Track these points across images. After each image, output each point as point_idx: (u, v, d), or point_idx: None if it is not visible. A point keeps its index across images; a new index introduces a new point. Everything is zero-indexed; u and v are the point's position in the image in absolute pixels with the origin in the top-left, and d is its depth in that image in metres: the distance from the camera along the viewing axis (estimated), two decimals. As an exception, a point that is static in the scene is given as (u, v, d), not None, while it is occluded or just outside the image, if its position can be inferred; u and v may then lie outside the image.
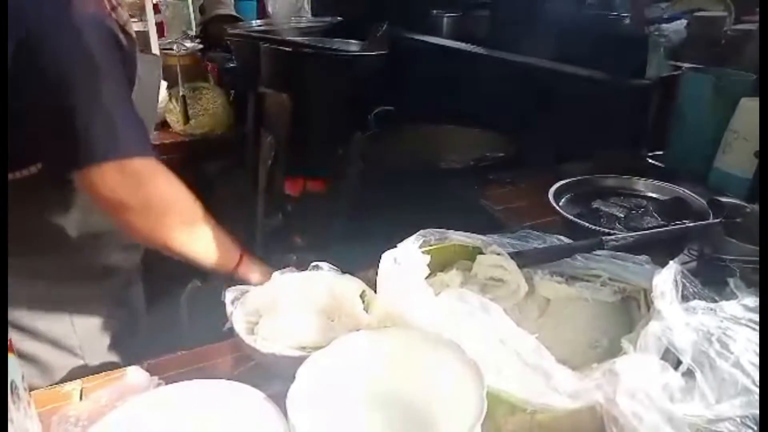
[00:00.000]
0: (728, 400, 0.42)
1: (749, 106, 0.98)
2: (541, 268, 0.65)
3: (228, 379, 0.50)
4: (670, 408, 0.42)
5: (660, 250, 0.67)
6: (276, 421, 0.45)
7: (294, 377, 0.46)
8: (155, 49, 1.77)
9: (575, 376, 0.45)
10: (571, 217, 0.82)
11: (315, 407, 0.46)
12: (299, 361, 0.48)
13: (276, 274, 0.68)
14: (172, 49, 1.88)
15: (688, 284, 0.52)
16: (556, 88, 1.30)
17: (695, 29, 1.27)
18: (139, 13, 1.93)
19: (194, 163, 1.64)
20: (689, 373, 0.44)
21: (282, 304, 0.64)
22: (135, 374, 0.60)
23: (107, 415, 0.46)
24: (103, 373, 0.63)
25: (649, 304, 0.55)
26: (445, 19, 1.81)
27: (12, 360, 0.46)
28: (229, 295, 0.64)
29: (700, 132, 1.07)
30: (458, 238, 0.67)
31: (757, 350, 0.44)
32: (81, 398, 0.60)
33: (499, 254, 0.65)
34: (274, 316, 0.62)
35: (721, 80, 1.04)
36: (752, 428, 0.41)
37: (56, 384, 0.63)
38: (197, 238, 0.72)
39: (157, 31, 2.20)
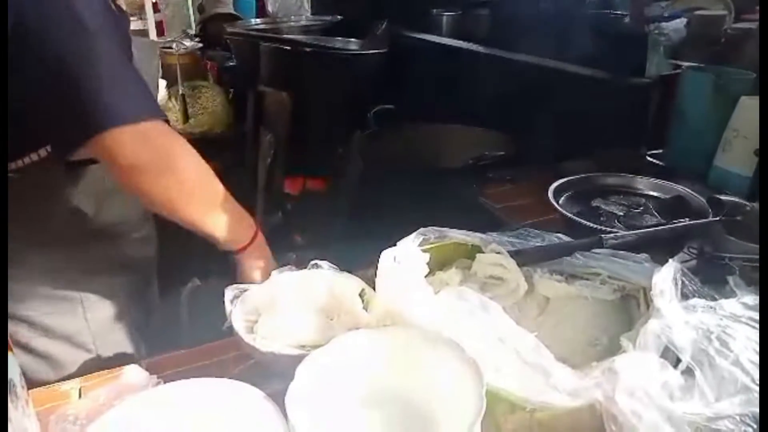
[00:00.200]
0: (728, 398, 0.42)
1: (749, 104, 0.98)
2: (541, 266, 0.65)
3: (227, 378, 0.50)
4: (669, 406, 0.42)
5: (660, 249, 0.67)
6: (275, 419, 0.45)
7: (293, 376, 0.46)
8: (154, 47, 1.77)
9: (575, 375, 0.45)
10: (570, 216, 0.82)
11: (314, 406, 0.45)
12: (298, 359, 0.48)
13: (275, 273, 0.68)
14: (171, 47, 1.88)
15: (687, 282, 0.52)
16: (556, 87, 1.29)
17: (695, 28, 1.27)
18: (139, 11, 1.93)
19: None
20: (689, 372, 0.44)
21: (281, 302, 0.63)
22: (134, 373, 0.60)
23: (106, 413, 0.46)
24: (103, 371, 0.63)
25: (648, 303, 0.55)
26: (445, 18, 1.81)
27: (11, 359, 0.46)
28: (229, 293, 0.64)
29: (699, 130, 1.07)
30: (458, 236, 0.67)
31: (757, 348, 0.44)
32: (80, 397, 0.60)
33: (498, 253, 0.65)
34: (273, 314, 0.62)
35: (720, 79, 1.04)
36: (752, 426, 0.41)
37: (58, 381, 0.63)
38: (212, 207, 0.70)
39: (157, 29, 2.20)
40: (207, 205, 0.70)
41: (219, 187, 0.71)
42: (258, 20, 2.13)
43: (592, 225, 0.79)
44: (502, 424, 0.46)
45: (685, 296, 0.51)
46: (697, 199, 0.85)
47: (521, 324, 0.49)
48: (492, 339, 0.48)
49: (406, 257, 0.60)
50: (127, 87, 0.64)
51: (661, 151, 1.17)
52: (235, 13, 2.28)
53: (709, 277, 0.57)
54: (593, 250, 0.65)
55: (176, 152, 0.67)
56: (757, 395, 0.42)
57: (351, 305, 0.63)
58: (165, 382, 0.54)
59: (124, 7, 0.76)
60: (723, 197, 0.85)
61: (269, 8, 2.39)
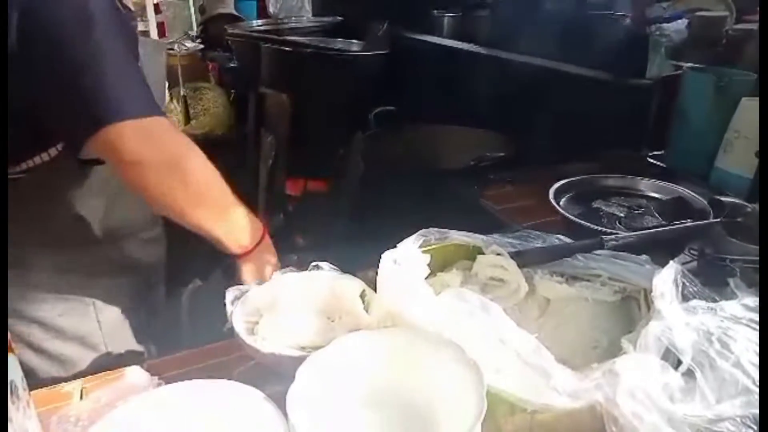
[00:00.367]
0: (728, 400, 0.42)
1: (750, 105, 0.98)
2: (542, 267, 0.65)
3: (228, 379, 0.50)
4: (670, 408, 0.42)
5: (660, 250, 0.67)
6: (276, 420, 0.45)
7: (294, 377, 0.46)
8: (156, 48, 1.77)
9: (575, 376, 0.45)
10: (571, 217, 0.82)
11: (315, 407, 0.46)
12: (299, 360, 0.48)
13: (277, 274, 0.68)
14: (173, 49, 1.89)
15: (688, 284, 0.52)
16: (557, 88, 1.30)
17: (696, 29, 1.27)
18: (140, 13, 1.93)
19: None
20: (689, 373, 0.44)
21: (282, 303, 0.63)
22: (135, 374, 0.60)
23: (107, 415, 0.46)
24: (104, 372, 0.63)
25: (649, 304, 0.55)
26: (445, 19, 1.81)
27: (12, 360, 0.46)
28: (230, 294, 0.64)
29: (701, 132, 1.07)
30: (458, 237, 0.67)
31: (758, 350, 0.44)
32: (81, 398, 0.60)
33: (499, 254, 0.65)
34: (274, 315, 0.62)
35: (722, 80, 1.04)
36: (752, 428, 0.41)
37: (60, 382, 0.63)
38: (219, 210, 0.70)
39: (158, 31, 2.21)
40: (214, 208, 0.70)
41: (226, 189, 0.71)
42: (259, 21, 2.13)
43: (592, 226, 0.79)
44: (503, 425, 0.46)
45: (685, 298, 0.51)
46: (698, 201, 0.85)
47: (522, 325, 0.49)
48: (493, 340, 0.48)
49: (406, 259, 0.60)
50: (131, 84, 0.64)
51: (662, 152, 1.17)
52: (236, 14, 2.28)
53: (709, 279, 0.57)
54: (594, 252, 0.65)
55: (182, 151, 0.67)
56: (758, 397, 0.42)
57: (352, 306, 0.63)
58: (166, 383, 0.54)
59: (131, 7, 0.76)
60: (724, 198, 0.85)
61: (270, 9, 2.39)
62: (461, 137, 1.45)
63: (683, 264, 0.53)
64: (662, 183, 0.94)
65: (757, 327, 0.46)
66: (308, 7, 2.38)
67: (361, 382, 0.50)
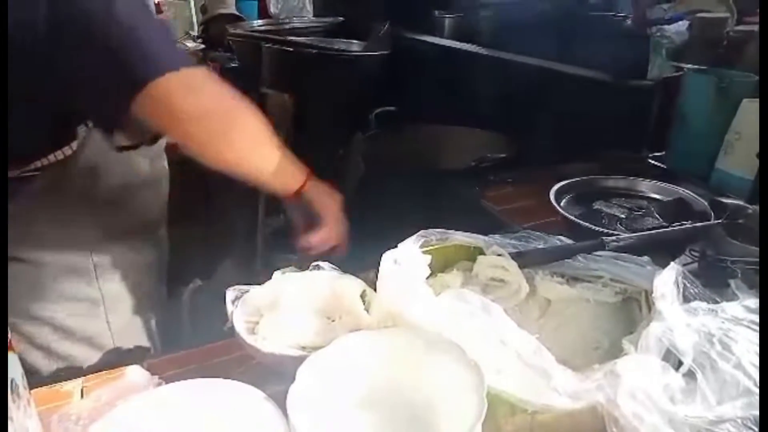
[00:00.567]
0: (730, 401, 0.42)
1: (751, 107, 0.98)
2: (543, 268, 0.65)
3: (228, 379, 0.50)
4: (671, 409, 0.42)
5: (661, 251, 0.67)
6: (276, 420, 0.45)
7: (294, 377, 0.46)
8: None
9: (576, 377, 0.45)
10: (572, 218, 0.82)
11: (315, 407, 0.45)
12: (299, 360, 0.48)
13: (277, 274, 0.68)
14: (174, 48, 1.88)
15: (689, 285, 0.52)
16: (558, 89, 1.30)
17: (697, 30, 1.27)
18: (141, 12, 1.92)
19: (196, 162, 1.64)
20: (690, 375, 0.44)
21: (283, 303, 0.63)
22: (135, 373, 0.60)
23: (107, 413, 0.46)
24: (104, 371, 0.63)
25: (650, 305, 0.55)
26: (446, 20, 1.81)
27: (12, 358, 0.46)
28: (230, 294, 0.64)
29: (701, 133, 1.07)
30: (459, 238, 0.67)
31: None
32: (82, 397, 0.60)
33: (500, 255, 0.65)
34: (274, 315, 0.62)
35: (723, 81, 1.04)
36: (753, 430, 0.41)
37: (59, 382, 0.63)
38: (261, 151, 0.71)
39: (159, 30, 2.19)
40: (263, 154, 0.70)
41: (271, 134, 0.71)
42: (260, 21, 2.13)
43: (593, 227, 0.79)
44: (503, 426, 0.46)
45: (686, 299, 0.51)
46: (698, 202, 0.85)
47: (523, 326, 0.49)
48: (493, 341, 0.48)
49: (407, 259, 0.60)
50: (165, 40, 0.65)
51: (662, 153, 1.17)
52: (237, 14, 2.28)
53: (710, 280, 0.57)
54: (595, 253, 0.65)
55: (228, 100, 0.67)
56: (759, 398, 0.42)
57: (352, 307, 0.63)
58: (166, 383, 0.54)
59: None
60: (725, 200, 0.85)
61: (272, 10, 2.40)
62: (462, 138, 1.45)
63: (684, 265, 0.53)
64: (663, 184, 0.94)
65: (758, 328, 0.46)
66: (309, 7, 2.38)
67: (361, 382, 0.50)
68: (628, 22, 1.42)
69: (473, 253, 0.67)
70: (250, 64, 1.58)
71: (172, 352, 0.68)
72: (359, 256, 0.69)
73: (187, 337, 0.91)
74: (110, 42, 0.60)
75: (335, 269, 0.68)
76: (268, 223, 1.43)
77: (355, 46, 1.72)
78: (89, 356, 0.80)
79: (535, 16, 1.46)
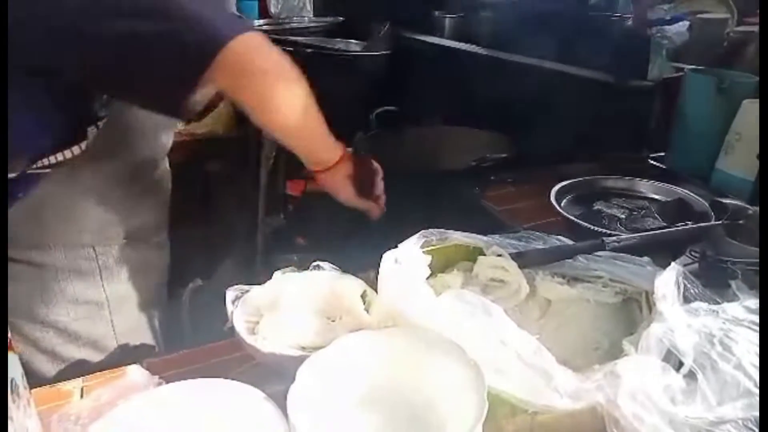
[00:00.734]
0: (730, 402, 0.42)
1: (751, 107, 0.98)
2: (543, 269, 0.65)
3: (228, 379, 0.50)
4: (671, 410, 0.42)
5: (662, 252, 0.67)
6: (276, 420, 0.45)
7: (294, 377, 0.46)
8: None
9: (576, 378, 0.45)
10: (572, 218, 0.82)
11: (315, 407, 0.45)
12: (300, 360, 0.48)
13: (277, 274, 0.68)
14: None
15: (689, 286, 0.52)
16: (558, 89, 1.29)
17: (697, 31, 1.27)
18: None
19: (196, 163, 1.64)
20: (691, 375, 0.44)
21: (283, 303, 0.63)
22: (135, 373, 0.60)
23: (107, 413, 0.46)
24: (105, 371, 0.63)
25: (650, 306, 0.55)
26: (447, 20, 1.81)
27: (12, 358, 0.46)
28: (230, 294, 0.64)
29: (702, 133, 1.07)
30: (459, 238, 0.67)
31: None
32: (81, 397, 0.60)
33: (500, 255, 0.65)
34: (275, 315, 0.62)
35: (723, 82, 1.04)
36: (754, 430, 0.41)
37: (58, 382, 0.63)
38: (312, 115, 0.74)
39: (160, 30, 2.19)
40: (312, 120, 0.74)
41: (313, 101, 0.74)
42: (260, 21, 2.13)
43: (593, 227, 0.79)
44: (504, 426, 0.46)
45: (687, 300, 0.51)
46: (699, 203, 0.85)
47: (523, 326, 0.49)
48: (493, 341, 0.48)
49: (407, 259, 0.60)
50: (224, 8, 0.70)
51: (663, 154, 1.17)
52: (237, 14, 2.28)
53: (711, 281, 0.57)
54: (595, 253, 0.65)
55: (286, 62, 0.70)
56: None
57: (352, 307, 0.63)
58: (166, 383, 0.54)
59: None
60: (725, 200, 0.85)
61: (272, 9, 2.39)
62: (462, 138, 1.45)
63: (684, 266, 0.53)
64: (663, 184, 0.94)
65: (759, 329, 0.46)
66: (309, 7, 2.38)
67: (361, 382, 0.50)
68: (629, 22, 1.42)
69: (473, 254, 0.67)
70: (250, 64, 1.58)
71: (172, 352, 0.68)
72: (359, 256, 0.69)
73: (188, 337, 0.91)
74: (183, 13, 0.62)
75: (335, 269, 0.68)
76: (268, 222, 1.42)
77: (355, 46, 1.71)
78: (93, 359, 0.80)
79: (536, 17, 1.46)
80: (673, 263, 0.53)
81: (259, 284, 0.66)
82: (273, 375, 0.53)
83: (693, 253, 0.75)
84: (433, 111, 1.49)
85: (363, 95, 1.54)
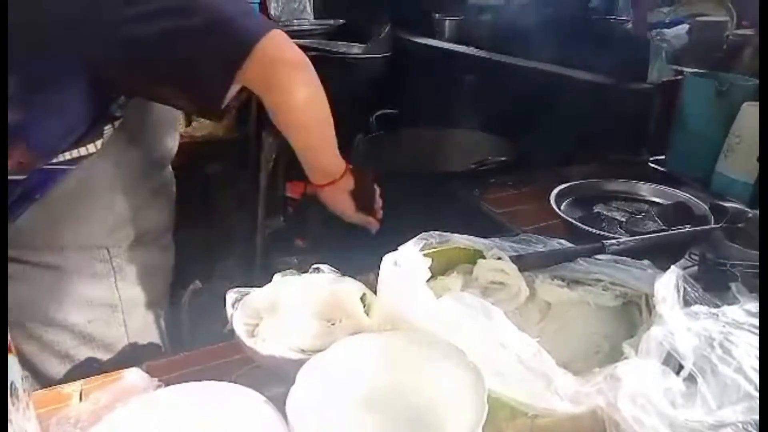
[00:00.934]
0: (730, 405, 0.42)
1: (751, 110, 0.98)
2: (543, 271, 0.65)
3: (228, 381, 0.50)
4: (671, 413, 0.42)
5: (662, 255, 0.66)
6: (276, 423, 0.45)
7: (294, 379, 0.46)
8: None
9: (576, 381, 0.45)
10: (572, 221, 0.82)
11: (315, 410, 0.45)
12: (299, 363, 0.48)
13: (277, 277, 0.68)
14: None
15: (689, 289, 0.52)
16: (558, 92, 1.30)
17: (697, 34, 1.28)
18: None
19: (196, 165, 1.64)
20: (691, 378, 0.44)
21: (282, 306, 0.63)
22: (134, 376, 0.60)
23: (106, 416, 0.46)
24: (103, 374, 0.63)
25: (650, 309, 0.55)
26: (447, 23, 1.82)
27: (12, 361, 0.46)
28: (230, 296, 0.64)
29: (701, 136, 1.07)
30: (460, 241, 0.67)
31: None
32: (81, 400, 0.60)
33: (500, 258, 0.64)
34: (274, 318, 0.62)
35: (722, 85, 1.04)
36: (754, 434, 0.41)
37: (48, 386, 0.63)
38: (327, 119, 0.75)
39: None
40: (325, 119, 0.75)
41: (328, 105, 0.76)
42: (261, 24, 2.13)
43: (593, 230, 0.79)
44: (504, 429, 0.46)
45: (687, 303, 0.51)
46: (699, 206, 0.85)
47: (523, 329, 0.49)
48: (493, 344, 0.47)
49: (407, 262, 0.60)
50: (250, 7, 0.71)
51: (663, 156, 1.17)
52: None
53: (711, 284, 0.57)
54: (595, 256, 0.65)
55: (307, 59, 0.72)
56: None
57: (352, 309, 0.63)
58: (166, 385, 0.54)
59: None
60: (725, 204, 0.85)
61: (272, 12, 2.40)
62: (462, 140, 1.45)
63: (684, 269, 0.54)
64: (663, 188, 0.94)
65: (759, 332, 0.46)
66: (310, 9, 2.38)
67: (361, 385, 0.50)
68: (629, 25, 1.43)
69: (473, 256, 0.67)
70: (250, 67, 1.58)
71: (172, 354, 0.68)
72: (359, 259, 0.69)
73: (187, 340, 0.91)
74: (219, 11, 0.64)
75: (335, 272, 0.68)
76: (267, 225, 1.42)
77: (355, 48, 1.72)
78: (105, 360, 0.81)
79: (536, 20, 1.46)
80: (673, 266, 0.53)
81: (259, 287, 0.66)
82: (273, 377, 0.53)
83: (693, 256, 0.75)
84: (433, 113, 1.50)
85: (363, 97, 1.54)
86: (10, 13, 0.59)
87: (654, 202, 0.92)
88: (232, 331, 0.60)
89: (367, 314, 0.62)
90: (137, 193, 0.80)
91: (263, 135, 1.50)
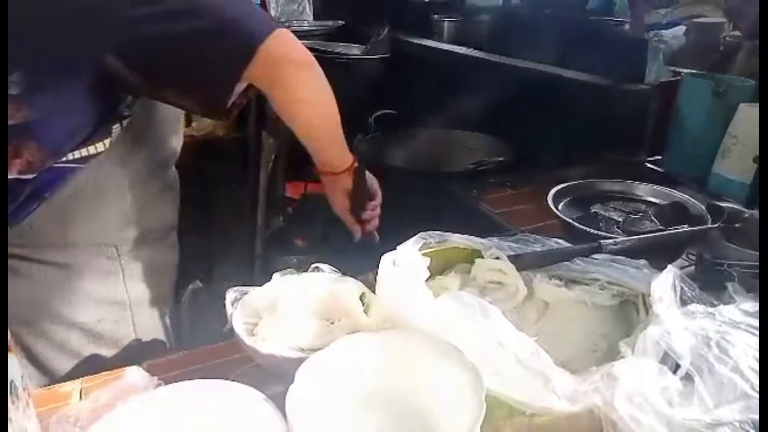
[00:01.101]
0: (727, 404, 0.42)
1: (748, 111, 0.99)
2: (540, 271, 0.65)
3: (228, 380, 0.50)
4: (668, 412, 0.42)
5: (659, 255, 0.67)
6: (275, 422, 0.45)
7: (293, 378, 0.46)
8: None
9: (574, 380, 0.45)
10: (570, 221, 0.83)
11: (314, 408, 0.46)
12: (299, 362, 0.48)
13: (276, 276, 0.68)
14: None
15: (686, 288, 0.52)
16: (556, 93, 1.30)
17: (694, 35, 1.28)
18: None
19: (196, 165, 1.64)
20: (688, 377, 0.44)
21: (282, 305, 0.64)
22: (134, 374, 0.60)
23: (106, 415, 0.46)
24: (104, 372, 0.63)
25: (647, 308, 0.56)
26: (445, 24, 1.82)
27: (11, 360, 0.46)
28: (230, 295, 0.64)
29: (698, 137, 1.08)
30: (458, 241, 0.67)
31: (757, 355, 0.45)
32: (80, 398, 0.60)
33: (498, 257, 0.65)
34: (274, 317, 0.62)
35: (719, 86, 1.05)
36: (750, 432, 0.41)
37: (57, 383, 0.63)
38: (333, 115, 0.76)
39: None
40: (331, 115, 0.77)
41: (335, 101, 0.77)
42: (260, 25, 2.13)
43: (591, 230, 0.79)
44: (501, 428, 0.46)
45: (684, 302, 0.51)
46: (695, 206, 0.86)
47: (521, 328, 0.49)
48: (491, 343, 0.48)
49: (406, 261, 0.60)
50: (254, 7, 0.72)
51: (660, 157, 1.18)
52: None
53: (707, 284, 0.57)
54: (592, 256, 0.65)
55: (313, 58, 0.72)
56: (756, 402, 0.42)
57: (351, 309, 0.63)
58: (166, 384, 0.54)
59: None
60: (722, 204, 0.86)
61: (272, 13, 2.40)
62: (461, 141, 1.46)
63: (681, 268, 0.54)
64: (660, 188, 0.94)
65: (756, 332, 0.47)
66: (309, 11, 2.39)
67: (360, 384, 0.50)
68: (626, 27, 1.43)
69: (471, 256, 0.67)
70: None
71: (172, 353, 0.68)
72: (358, 259, 0.69)
73: (187, 339, 0.91)
74: (224, 12, 0.65)
75: (334, 271, 0.68)
76: (267, 224, 1.43)
77: (354, 49, 1.72)
78: (114, 358, 0.81)
79: (534, 21, 1.47)
80: (669, 266, 0.53)
81: (259, 286, 0.66)
82: (272, 376, 0.53)
83: (690, 256, 0.75)
84: (431, 114, 1.50)
85: (362, 98, 1.54)
86: (20, 12, 0.59)
87: (651, 202, 0.93)
88: (232, 330, 0.60)
89: (366, 313, 0.62)
90: (145, 192, 0.80)
91: (263, 135, 1.50)
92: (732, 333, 0.46)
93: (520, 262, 0.65)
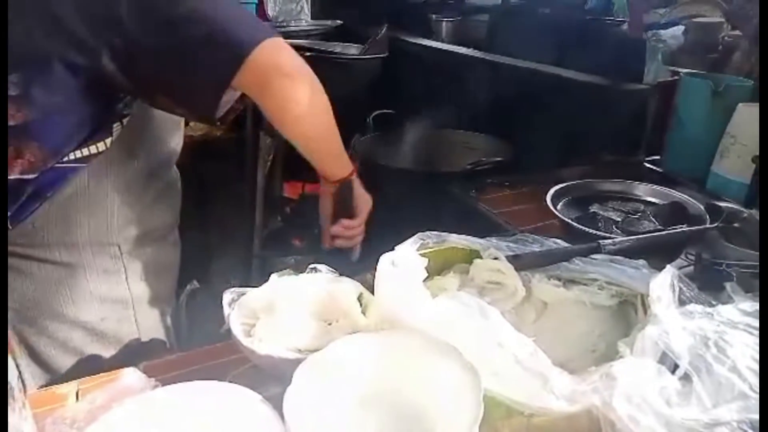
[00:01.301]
0: (725, 404, 0.42)
1: (747, 111, 0.99)
2: (539, 271, 0.65)
3: (225, 381, 0.50)
4: (666, 412, 0.42)
5: (657, 255, 0.67)
6: (272, 423, 0.45)
7: (291, 379, 0.46)
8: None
9: (572, 380, 0.45)
10: (568, 221, 0.83)
11: (312, 409, 0.45)
12: (296, 363, 0.48)
13: (274, 276, 0.68)
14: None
15: (685, 288, 0.52)
16: (554, 93, 1.30)
17: (693, 35, 1.28)
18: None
19: (193, 165, 1.64)
20: (686, 377, 0.44)
21: (279, 306, 0.63)
22: (131, 376, 0.60)
23: (102, 416, 0.46)
24: (100, 374, 0.63)
25: (646, 308, 0.56)
26: (444, 24, 1.82)
27: (9, 361, 0.45)
28: (227, 296, 0.64)
29: (697, 137, 1.08)
30: (456, 241, 0.67)
31: (755, 355, 0.44)
32: (77, 399, 0.60)
33: (496, 258, 0.65)
34: (271, 318, 0.62)
35: (718, 86, 1.05)
36: (749, 433, 0.41)
37: (54, 385, 0.63)
38: (329, 127, 0.76)
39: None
40: (329, 126, 0.76)
41: (331, 112, 0.76)
42: (258, 25, 2.13)
43: (589, 230, 0.79)
44: (500, 428, 0.46)
45: (682, 302, 0.51)
46: (694, 206, 0.86)
47: (519, 329, 0.49)
48: (490, 343, 0.48)
49: (404, 262, 0.60)
50: (248, 15, 0.71)
51: (658, 157, 1.18)
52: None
53: (706, 284, 0.57)
54: (591, 256, 0.65)
55: (307, 67, 0.72)
56: (754, 401, 0.42)
57: (349, 309, 0.63)
58: (162, 385, 0.54)
59: None
60: (720, 204, 0.86)
61: (269, 13, 2.39)
62: (459, 141, 1.46)
63: (680, 268, 0.54)
64: (659, 188, 0.94)
65: (754, 331, 0.46)
66: (307, 10, 2.38)
67: (358, 384, 0.50)
68: (625, 26, 1.43)
69: (470, 256, 0.67)
70: (247, 67, 1.58)
71: (169, 354, 0.68)
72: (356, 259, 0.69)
73: (184, 340, 0.91)
74: (209, 25, 0.64)
75: (332, 272, 0.68)
76: (265, 225, 1.42)
77: (352, 49, 1.72)
78: (116, 357, 0.81)
79: (532, 21, 1.47)
80: (668, 266, 0.53)
81: (256, 286, 0.66)
82: (269, 377, 0.53)
83: (688, 256, 0.75)
84: (430, 114, 1.50)
85: (360, 98, 1.54)
86: (22, 15, 0.59)
87: (650, 202, 0.93)
88: (229, 330, 0.60)
89: (364, 314, 0.62)
90: (146, 190, 0.80)
91: (261, 135, 1.50)
92: (730, 333, 0.46)
93: (519, 262, 0.64)
